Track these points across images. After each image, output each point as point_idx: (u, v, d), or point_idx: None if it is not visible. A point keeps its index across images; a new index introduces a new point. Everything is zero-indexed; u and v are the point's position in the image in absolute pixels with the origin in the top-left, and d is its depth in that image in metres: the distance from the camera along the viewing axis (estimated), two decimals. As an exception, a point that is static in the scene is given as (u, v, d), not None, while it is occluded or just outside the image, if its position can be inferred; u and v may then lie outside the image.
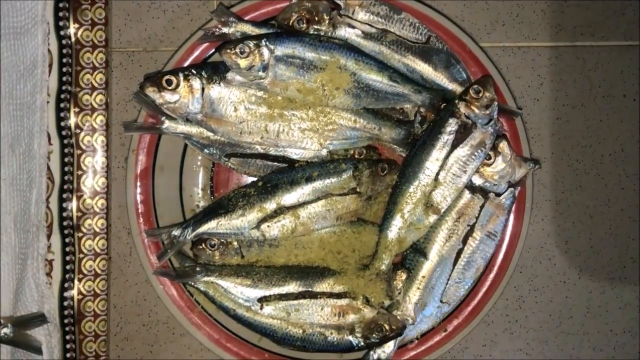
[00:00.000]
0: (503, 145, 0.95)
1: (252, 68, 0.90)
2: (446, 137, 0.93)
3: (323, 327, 0.95)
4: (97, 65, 0.98)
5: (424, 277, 0.96)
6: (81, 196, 0.98)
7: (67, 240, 0.97)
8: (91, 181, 0.98)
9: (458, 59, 0.97)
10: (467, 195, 0.95)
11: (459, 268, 0.96)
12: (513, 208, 0.98)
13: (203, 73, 0.92)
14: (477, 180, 0.96)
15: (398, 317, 0.95)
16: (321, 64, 0.92)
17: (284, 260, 0.96)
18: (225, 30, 0.95)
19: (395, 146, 0.98)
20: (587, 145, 1.05)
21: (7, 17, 0.93)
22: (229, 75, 0.91)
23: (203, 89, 0.92)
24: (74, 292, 0.97)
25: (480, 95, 0.93)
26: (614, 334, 1.05)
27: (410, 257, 0.97)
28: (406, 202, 0.93)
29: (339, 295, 0.94)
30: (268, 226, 0.93)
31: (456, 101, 0.93)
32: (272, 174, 0.96)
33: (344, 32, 0.95)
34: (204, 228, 0.93)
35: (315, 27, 0.94)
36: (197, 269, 0.95)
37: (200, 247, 0.95)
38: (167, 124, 0.95)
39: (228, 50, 0.90)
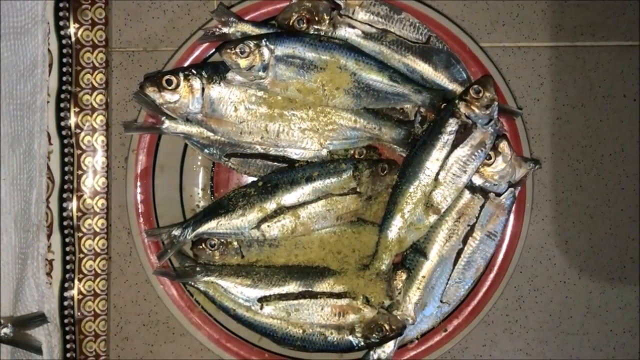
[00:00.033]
0: (503, 145, 0.95)
1: (252, 68, 0.90)
2: (446, 137, 0.93)
3: (323, 327, 0.95)
4: (97, 65, 0.98)
5: (424, 277, 0.96)
6: (81, 196, 0.98)
7: (67, 240, 0.97)
8: (91, 181, 0.98)
9: (458, 59, 0.97)
10: (467, 195, 0.95)
11: (459, 268, 0.96)
12: (513, 208, 0.98)
13: (203, 73, 0.92)
14: (477, 180, 0.95)
15: (398, 317, 0.95)
16: (321, 64, 0.92)
17: (284, 260, 0.96)
18: (225, 30, 0.95)
19: (395, 146, 0.98)
20: (587, 145, 1.05)
21: (7, 17, 0.93)
22: (229, 75, 0.91)
23: (203, 89, 0.92)
24: (74, 292, 0.97)
25: (481, 95, 0.92)
26: (614, 334, 1.05)
27: (410, 257, 0.96)
28: (406, 202, 0.93)
29: (339, 295, 0.94)
30: (268, 226, 0.93)
31: (456, 101, 0.93)
32: (272, 174, 0.96)
33: (344, 32, 0.95)
34: (204, 228, 0.93)
35: (316, 27, 0.94)
36: (197, 268, 0.95)
37: (200, 247, 0.95)
38: (167, 124, 0.95)
39: (228, 50, 0.90)
